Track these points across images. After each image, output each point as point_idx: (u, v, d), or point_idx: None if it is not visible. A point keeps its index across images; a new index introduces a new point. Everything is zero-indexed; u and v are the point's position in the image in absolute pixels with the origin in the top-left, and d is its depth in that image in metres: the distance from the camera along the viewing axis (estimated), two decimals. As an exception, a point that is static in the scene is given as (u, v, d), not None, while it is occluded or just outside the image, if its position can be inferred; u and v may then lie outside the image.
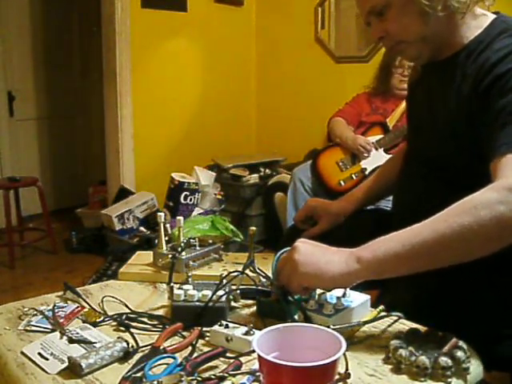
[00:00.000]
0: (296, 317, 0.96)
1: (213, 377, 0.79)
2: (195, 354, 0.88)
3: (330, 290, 1.00)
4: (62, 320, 1.02)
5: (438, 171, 1.12)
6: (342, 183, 2.75)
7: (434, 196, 1.08)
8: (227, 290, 1.04)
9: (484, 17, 1.10)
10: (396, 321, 0.99)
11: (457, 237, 0.85)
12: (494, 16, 1.10)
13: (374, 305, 1.04)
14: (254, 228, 1.20)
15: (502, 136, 0.96)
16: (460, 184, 0.98)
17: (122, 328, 1.00)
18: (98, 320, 1.02)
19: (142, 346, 0.92)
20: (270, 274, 1.01)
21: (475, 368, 0.84)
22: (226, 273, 1.07)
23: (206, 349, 0.90)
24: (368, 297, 1.02)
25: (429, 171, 1.14)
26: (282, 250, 1.01)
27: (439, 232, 0.86)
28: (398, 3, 1.07)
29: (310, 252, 0.93)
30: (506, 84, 0.98)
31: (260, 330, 0.80)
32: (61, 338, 0.95)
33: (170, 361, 0.85)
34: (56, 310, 1.06)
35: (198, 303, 1.01)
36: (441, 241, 0.86)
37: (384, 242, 0.91)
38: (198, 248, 1.27)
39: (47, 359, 0.88)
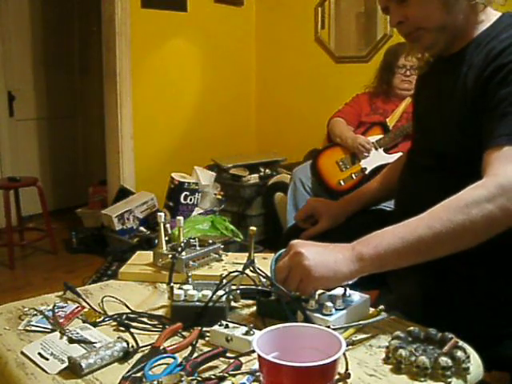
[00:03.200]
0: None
1: (213, 377, 0.79)
2: (195, 354, 0.88)
3: (330, 290, 1.00)
4: (62, 320, 1.02)
5: (443, 162, 1.13)
6: (342, 183, 2.75)
7: (438, 186, 1.08)
8: (227, 290, 1.04)
9: (493, 13, 1.12)
10: (396, 321, 0.99)
11: (450, 233, 0.92)
12: (501, 13, 1.12)
13: (374, 305, 1.04)
14: (253, 228, 1.20)
15: (501, 126, 0.97)
16: (465, 174, 0.98)
17: (122, 328, 1.00)
18: (97, 320, 1.02)
19: (142, 346, 0.92)
20: (269, 274, 1.01)
21: (475, 368, 0.84)
22: (226, 273, 1.07)
23: (205, 349, 0.90)
24: (368, 297, 1.02)
25: (434, 163, 1.15)
26: (282, 251, 1.01)
27: (434, 230, 0.92)
28: None
29: (317, 255, 0.93)
30: (507, 74, 0.99)
31: (260, 330, 0.80)
32: (61, 338, 0.95)
33: (170, 361, 0.85)
34: (56, 310, 1.06)
35: (198, 303, 1.01)
36: (436, 237, 0.92)
37: (383, 238, 0.94)
38: (198, 248, 1.27)
39: (47, 359, 0.88)
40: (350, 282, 0.97)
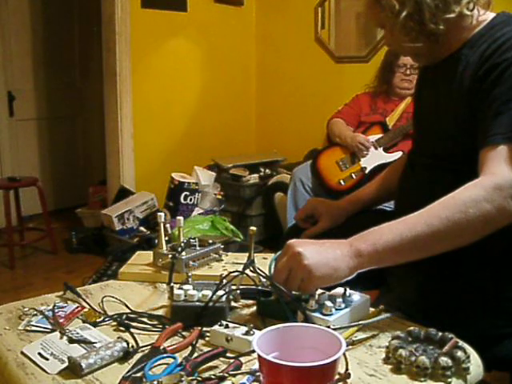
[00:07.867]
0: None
1: (213, 377, 0.79)
2: (195, 354, 0.88)
3: (330, 290, 1.00)
4: (62, 320, 1.02)
5: (442, 162, 1.13)
6: (342, 183, 2.75)
7: (437, 185, 1.09)
8: (227, 289, 1.04)
9: (487, 13, 1.12)
10: (396, 321, 0.99)
11: (448, 231, 0.93)
12: (496, 13, 1.13)
13: (374, 305, 1.04)
14: (253, 228, 1.20)
15: (495, 125, 0.98)
16: (464, 173, 0.99)
17: (122, 328, 1.00)
18: (97, 320, 1.02)
19: (142, 346, 0.92)
20: (269, 274, 1.01)
21: (475, 368, 0.84)
22: (226, 273, 1.07)
23: (205, 349, 0.90)
24: (368, 297, 1.02)
25: (433, 162, 1.15)
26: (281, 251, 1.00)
27: (432, 228, 0.93)
28: (391, 25, 1.11)
29: (316, 253, 0.93)
30: (501, 73, 1.00)
31: (260, 330, 0.80)
32: (61, 337, 0.95)
33: (170, 361, 0.85)
34: (56, 310, 1.06)
35: (198, 303, 1.01)
36: (434, 235, 0.93)
37: (381, 235, 0.95)
38: (198, 248, 1.27)
39: (47, 359, 0.88)
40: (348, 278, 0.97)
